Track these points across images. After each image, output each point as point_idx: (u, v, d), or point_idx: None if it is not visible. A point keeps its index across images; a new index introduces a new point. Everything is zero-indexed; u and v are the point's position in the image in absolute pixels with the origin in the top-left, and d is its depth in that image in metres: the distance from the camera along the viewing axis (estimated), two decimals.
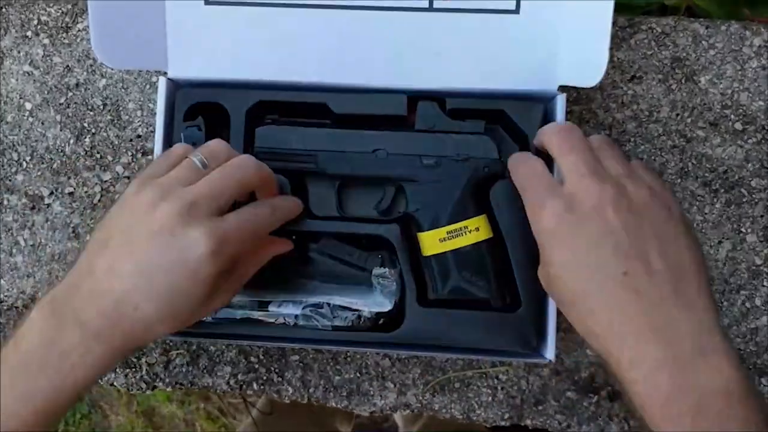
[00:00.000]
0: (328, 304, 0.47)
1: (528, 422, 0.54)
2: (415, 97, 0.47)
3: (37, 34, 0.57)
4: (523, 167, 0.42)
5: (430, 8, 0.46)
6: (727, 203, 0.52)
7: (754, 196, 0.52)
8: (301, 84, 0.48)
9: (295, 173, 0.48)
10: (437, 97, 0.47)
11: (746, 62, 0.52)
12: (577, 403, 0.54)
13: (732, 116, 0.52)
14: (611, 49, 0.52)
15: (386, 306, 0.46)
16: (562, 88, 0.46)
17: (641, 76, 0.53)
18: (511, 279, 0.47)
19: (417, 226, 0.47)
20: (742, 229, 0.52)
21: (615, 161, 0.39)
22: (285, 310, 0.47)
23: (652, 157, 0.53)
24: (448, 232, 0.46)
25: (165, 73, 0.48)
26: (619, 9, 0.59)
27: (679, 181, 0.53)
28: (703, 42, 0.53)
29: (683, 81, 0.53)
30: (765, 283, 0.52)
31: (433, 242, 0.46)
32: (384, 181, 0.48)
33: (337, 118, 0.48)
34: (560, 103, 0.46)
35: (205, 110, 0.48)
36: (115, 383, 0.56)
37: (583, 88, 0.53)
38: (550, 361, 0.46)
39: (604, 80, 0.53)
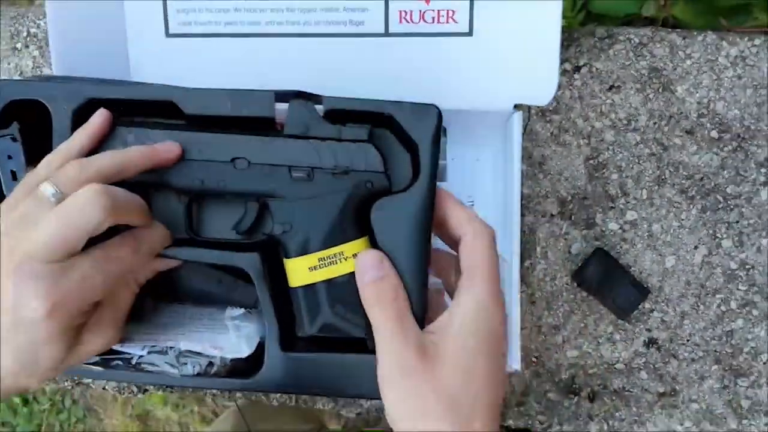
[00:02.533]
0: (172, 348, 0.40)
1: (511, 422, 0.55)
2: (285, 94, 0.39)
3: (27, 46, 0.58)
4: (372, 287, 0.36)
5: (386, 33, 0.48)
6: (703, 209, 0.54)
7: (729, 202, 0.54)
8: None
9: (135, 187, 0.37)
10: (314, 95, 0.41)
11: (722, 72, 0.54)
12: (557, 404, 0.55)
13: (708, 125, 0.54)
14: (590, 59, 0.54)
15: (243, 351, 0.40)
16: (518, 107, 0.48)
17: (619, 86, 0.54)
18: None
19: (284, 252, 0.39)
20: (718, 235, 0.54)
21: None
22: (128, 349, 0.40)
23: (630, 165, 0.54)
24: (320, 259, 0.38)
25: None
26: (597, 19, 0.61)
27: (656, 188, 0.54)
28: (680, 52, 0.54)
29: (660, 90, 0.54)
30: (740, 287, 0.54)
31: (301, 271, 0.38)
32: (245, 197, 0.39)
33: (191, 120, 0.39)
34: (516, 120, 0.47)
35: (23, 112, 0.40)
36: (106, 387, 0.57)
37: (562, 98, 0.54)
38: (517, 370, 0.47)
39: (584, 89, 0.55)
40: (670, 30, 0.55)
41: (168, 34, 0.49)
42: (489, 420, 0.33)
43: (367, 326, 0.36)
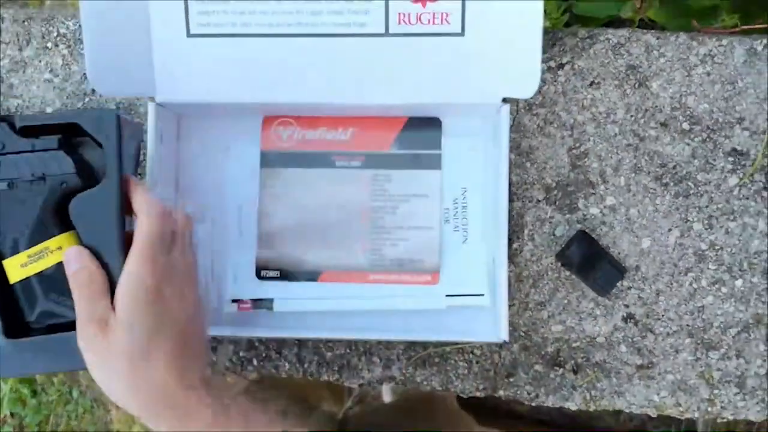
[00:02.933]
0: None
1: (501, 393, 0.60)
2: None
3: (57, 45, 0.63)
4: (72, 277, 0.44)
5: (387, 33, 0.52)
6: (676, 195, 0.59)
7: (699, 188, 0.58)
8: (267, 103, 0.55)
9: None
10: (11, 118, 0.47)
11: (693, 69, 0.59)
12: (544, 375, 0.60)
13: (680, 117, 0.59)
14: (573, 57, 0.59)
15: None
16: (507, 100, 0.53)
17: (599, 82, 0.59)
18: None
19: (0, 254, 0.46)
20: (689, 218, 0.58)
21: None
22: None
23: (610, 155, 0.59)
24: (29, 256, 0.45)
25: (153, 99, 0.54)
26: (581, 21, 0.66)
27: (633, 176, 0.59)
28: (655, 51, 0.59)
29: (637, 86, 0.59)
30: (710, 266, 0.58)
31: (15, 268, 0.45)
32: None
33: None
34: (505, 113, 0.52)
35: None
36: None
37: (547, 93, 0.59)
38: (505, 341, 0.52)
39: (567, 85, 0.59)
40: (645, 31, 0.60)
41: (189, 34, 0.54)
42: (166, 357, 0.42)
43: None
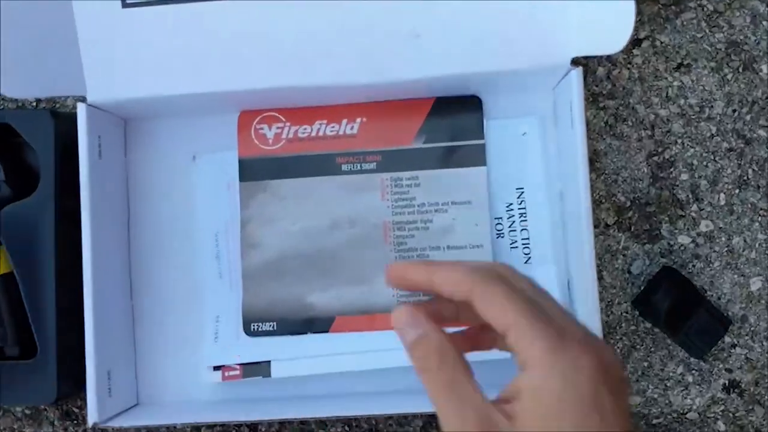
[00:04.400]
0: None
1: None
2: None
3: None
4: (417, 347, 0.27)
5: None
6: None
7: None
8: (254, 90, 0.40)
9: None
10: None
11: None
12: None
13: None
14: (653, 30, 0.44)
15: None
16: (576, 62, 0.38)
17: (689, 64, 0.44)
18: (26, 321, 0.41)
19: None
20: None
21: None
22: None
23: (704, 163, 0.44)
24: None
25: (82, 98, 0.40)
26: None
27: (737, 192, 0.44)
28: (765, 22, 0.44)
29: (741, 70, 0.44)
30: None
31: None
32: None
33: None
34: (576, 81, 0.37)
35: None
36: None
37: (618, 79, 0.44)
38: None
39: (645, 69, 0.44)
40: None
41: (125, 4, 0.39)
42: None
43: (6, 331, 0.41)
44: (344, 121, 0.43)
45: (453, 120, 0.43)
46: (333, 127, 0.44)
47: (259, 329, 0.43)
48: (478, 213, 0.42)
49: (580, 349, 0.24)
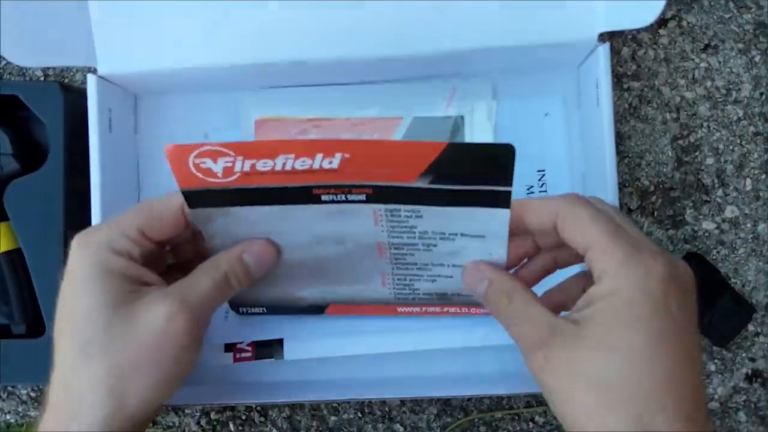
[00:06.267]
0: None
1: None
2: None
3: None
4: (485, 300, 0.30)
5: None
6: None
7: None
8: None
9: None
10: None
11: None
12: None
13: None
14: (679, 10, 0.42)
15: None
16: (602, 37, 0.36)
17: (717, 45, 0.43)
18: (33, 299, 0.40)
19: None
20: None
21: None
22: None
23: (731, 147, 0.42)
24: None
25: (93, 70, 0.39)
26: None
27: (763, 176, 0.42)
28: None
29: None
30: None
31: None
32: None
33: None
34: (603, 57, 0.36)
35: None
36: None
37: (644, 60, 0.43)
38: None
39: (671, 50, 0.43)
40: None
41: None
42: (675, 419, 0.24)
43: (13, 310, 0.41)
44: (319, 156, 0.29)
45: (474, 164, 0.29)
46: (304, 161, 0.30)
47: (249, 312, 0.41)
48: (491, 245, 0.32)
49: (653, 258, 0.25)
